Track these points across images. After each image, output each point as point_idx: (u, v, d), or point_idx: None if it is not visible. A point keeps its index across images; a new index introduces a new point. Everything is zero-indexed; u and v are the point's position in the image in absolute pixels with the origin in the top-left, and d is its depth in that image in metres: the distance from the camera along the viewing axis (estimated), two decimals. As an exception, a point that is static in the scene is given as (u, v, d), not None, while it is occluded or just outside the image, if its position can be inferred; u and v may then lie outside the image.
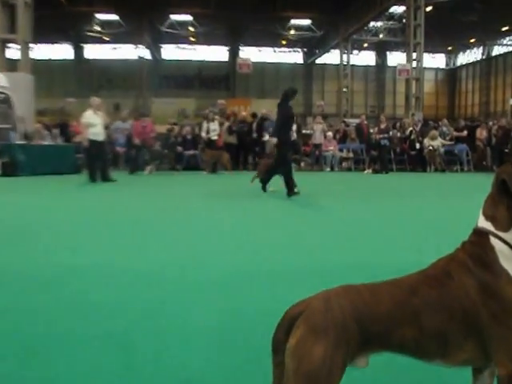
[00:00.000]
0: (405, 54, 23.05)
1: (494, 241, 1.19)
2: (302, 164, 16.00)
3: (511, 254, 1.17)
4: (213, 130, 14.06)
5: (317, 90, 36.90)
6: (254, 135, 14.95)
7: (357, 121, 18.83)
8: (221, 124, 14.53)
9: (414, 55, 21.78)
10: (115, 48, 35.07)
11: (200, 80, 33.86)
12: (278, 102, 7.82)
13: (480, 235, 1.22)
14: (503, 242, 1.18)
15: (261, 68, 33.60)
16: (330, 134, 16.02)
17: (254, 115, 15.83)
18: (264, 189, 8.12)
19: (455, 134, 16.46)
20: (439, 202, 7.28)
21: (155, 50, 34.21)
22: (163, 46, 35.72)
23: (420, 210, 6.31)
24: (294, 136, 15.49)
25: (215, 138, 14.11)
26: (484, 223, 1.22)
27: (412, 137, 16.15)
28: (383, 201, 7.31)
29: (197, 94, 28.80)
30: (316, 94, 36.56)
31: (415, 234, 4.56)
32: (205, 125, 14.19)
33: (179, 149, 14.69)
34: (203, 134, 14.13)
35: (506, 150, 14.95)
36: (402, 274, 1.23)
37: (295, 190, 7.61)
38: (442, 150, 15.70)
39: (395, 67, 25.42)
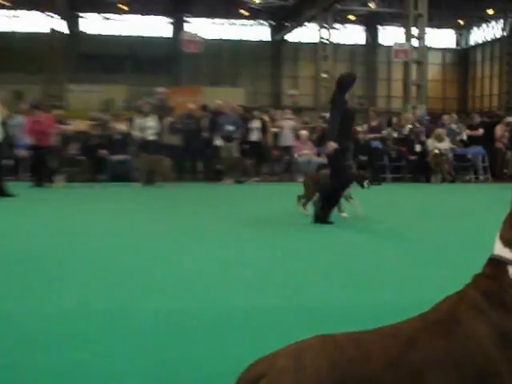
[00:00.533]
0: (402, 29, 23.76)
1: None
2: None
3: None
4: (149, 127, 14.06)
5: (288, 76, 37.44)
6: (205, 135, 15.02)
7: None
8: (160, 119, 14.55)
9: (415, 31, 22.44)
10: (16, 16, 34.48)
11: (133, 61, 33.71)
12: (332, 94, 7.43)
13: (497, 266, 1.24)
14: None
15: (214, 46, 33.81)
16: (304, 133, 16.23)
17: (204, 108, 15.90)
18: (324, 219, 7.20)
19: (468, 132, 17.02)
20: (449, 223, 7.46)
21: (73, 20, 33.86)
22: (84, 15, 35.41)
23: (426, 235, 6.56)
24: (257, 136, 15.71)
25: (152, 137, 14.11)
26: (502, 250, 1.25)
27: (412, 137, 16.56)
28: (380, 222, 7.47)
29: (128, 79, 28.59)
30: (287, 81, 37.08)
31: (422, 265, 4.78)
32: (138, 120, 14.17)
33: (103, 153, 14.51)
34: (136, 133, 14.09)
35: None
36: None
37: (329, 219, 7.11)
38: (450, 154, 16.17)
39: (390, 47, 26.12)
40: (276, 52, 37.43)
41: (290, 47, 37.57)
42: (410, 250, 5.60)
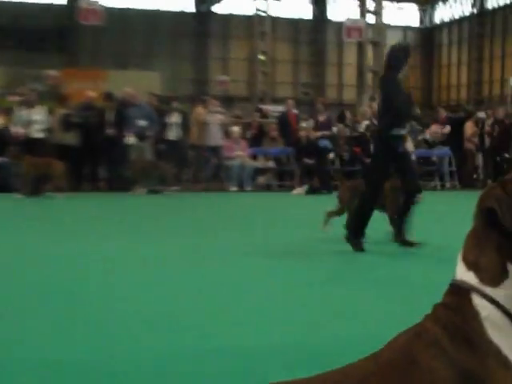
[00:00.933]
0: (356, 2, 24.26)
1: (478, 301, 1.27)
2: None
3: (505, 320, 1.25)
4: (35, 121, 13.81)
5: (216, 57, 37.49)
6: (110, 131, 14.87)
7: (281, 109, 19.31)
8: (50, 111, 14.32)
9: (371, 5, 22.97)
10: None
11: (14, 35, 32.90)
12: (381, 76, 7.29)
13: (459, 294, 1.30)
14: (492, 302, 1.26)
15: (122, 19, 33.46)
16: (236, 129, 16.26)
17: (109, 97, 15.70)
18: (356, 244, 6.97)
19: (433, 130, 17.49)
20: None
21: None
22: None
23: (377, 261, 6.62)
24: (177, 133, 15.62)
25: (40, 135, 13.88)
26: (464, 274, 1.31)
27: (368, 135, 16.87)
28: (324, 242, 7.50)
29: (7, 58, 27.84)
30: (215, 64, 37.13)
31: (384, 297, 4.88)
32: (20, 112, 13.93)
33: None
34: (17, 129, 13.81)
35: (507, 155, 16.09)
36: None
37: (407, 237, 7.06)
38: (413, 156, 16.56)
39: (341, 23, 26.59)
40: (201, 27, 37.42)
41: (219, 21, 37.65)
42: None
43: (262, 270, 6.06)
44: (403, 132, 7.13)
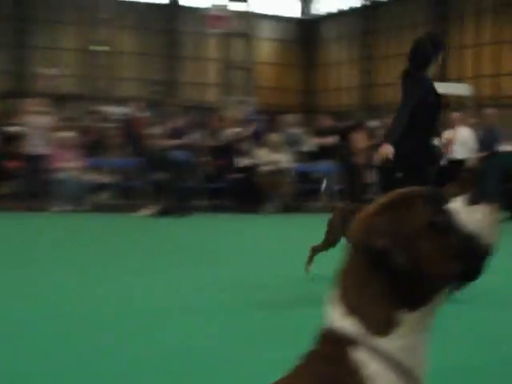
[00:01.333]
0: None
1: (361, 354, 1.32)
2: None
3: (394, 375, 1.31)
4: None
5: (41, 46, 36.85)
6: None
7: (124, 110, 19.27)
8: None
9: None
10: None
11: None
12: (405, 69, 7.26)
13: (335, 342, 1.34)
14: (379, 355, 1.32)
15: None
16: (66, 135, 16.11)
17: None
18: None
19: (316, 141, 17.98)
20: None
21: None
22: None
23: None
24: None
25: None
26: (342, 320, 1.36)
27: (236, 146, 17.11)
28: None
29: None
30: (39, 54, 36.46)
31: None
32: None
33: None
34: None
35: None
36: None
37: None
38: (291, 171, 16.94)
39: (203, 10, 26.89)
40: (20, 8, 36.79)
41: (44, 2, 37.16)
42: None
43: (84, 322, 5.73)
44: (437, 143, 7.11)
